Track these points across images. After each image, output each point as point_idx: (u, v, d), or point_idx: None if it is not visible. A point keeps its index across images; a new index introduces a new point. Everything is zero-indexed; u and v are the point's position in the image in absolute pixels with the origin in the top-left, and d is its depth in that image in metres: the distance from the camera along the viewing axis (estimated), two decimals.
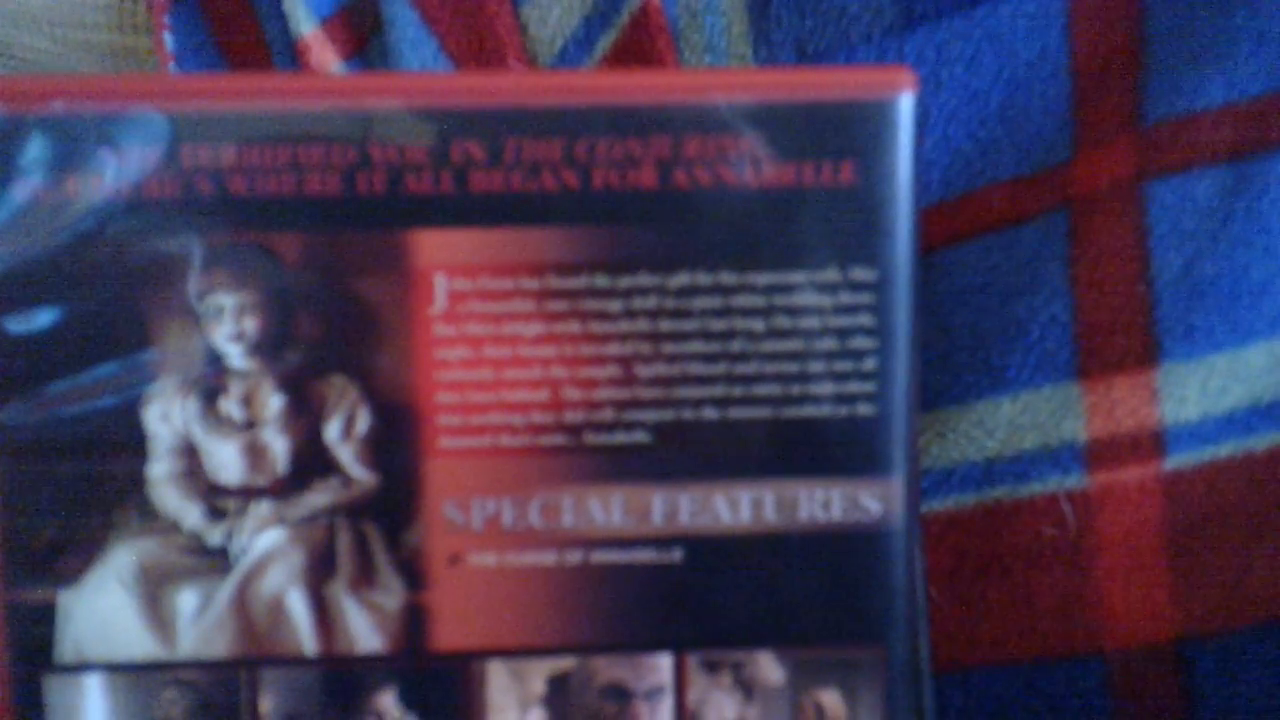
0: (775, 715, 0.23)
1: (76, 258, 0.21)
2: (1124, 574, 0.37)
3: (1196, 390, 0.37)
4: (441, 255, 0.22)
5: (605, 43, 0.43)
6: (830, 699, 0.23)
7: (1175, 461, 0.37)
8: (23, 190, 0.21)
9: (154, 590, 0.22)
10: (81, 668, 0.22)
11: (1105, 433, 0.37)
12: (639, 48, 0.43)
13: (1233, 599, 0.37)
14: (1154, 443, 0.37)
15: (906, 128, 0.21)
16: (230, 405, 0.22)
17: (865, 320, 0.22)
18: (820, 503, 0.22)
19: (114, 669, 0.22)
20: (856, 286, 0.22)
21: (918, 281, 0.22)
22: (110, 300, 0.22)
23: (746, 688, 0.22)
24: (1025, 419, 0.38)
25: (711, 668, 0.22)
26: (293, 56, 0.46)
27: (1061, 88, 0.39)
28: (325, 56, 0.46)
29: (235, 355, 0.22)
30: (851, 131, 0.21)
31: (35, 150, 0.21)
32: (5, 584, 0.22)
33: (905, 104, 0.22)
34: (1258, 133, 0.36)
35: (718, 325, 0.22)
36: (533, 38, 0.44)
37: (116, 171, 0.21)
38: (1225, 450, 0.37)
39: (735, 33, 0.42)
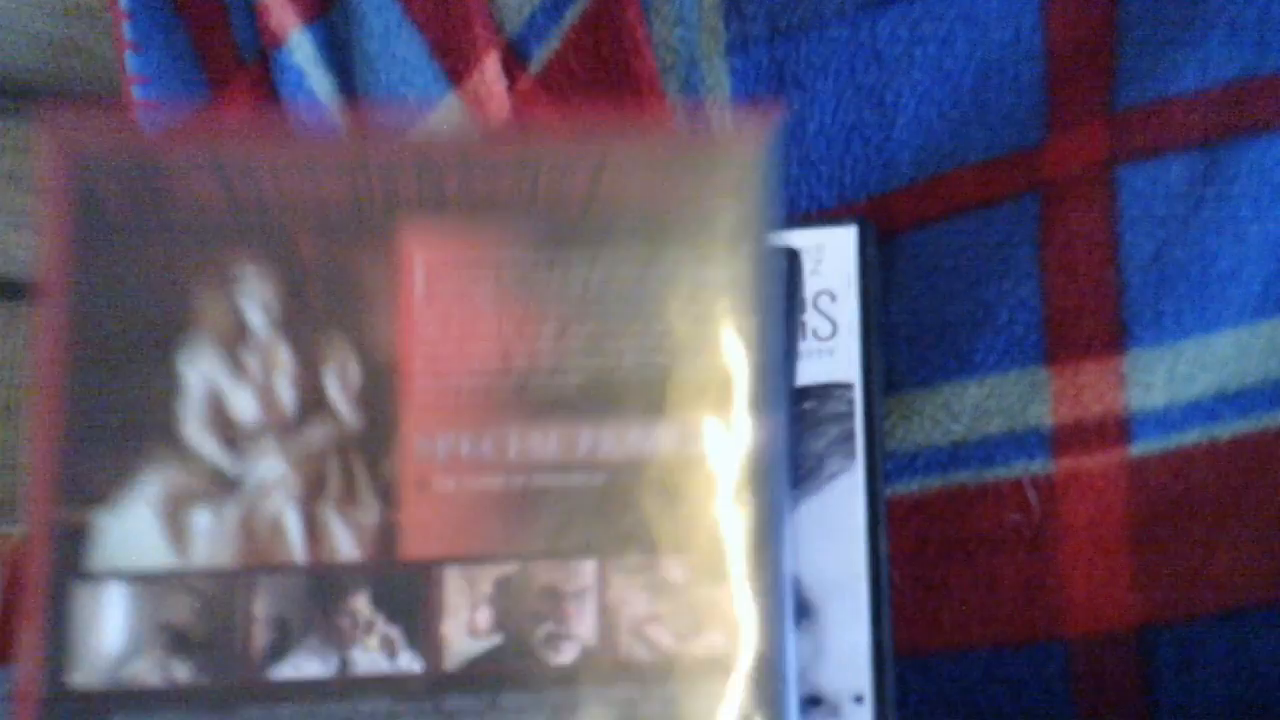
0: (680, 610, 0.28)
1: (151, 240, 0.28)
2: (1087, 560, 0.38)
3: (1163, 377, 0.37)
4: (422, 243, 0.28)
5: (574, 13, 0.44)
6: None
7: (1140, 448, 0.38)
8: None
9: (175, 511, 0.27)
10: (106, 576, 0.27)
11: (1071, 418, 0.38)
12: (608, 18, 0.43)
13: (1195, 586, 0.38)
14: (1120, 429, 0.38)
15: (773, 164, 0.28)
16: (249, 358, 0.28)
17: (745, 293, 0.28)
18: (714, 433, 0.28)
19: (134, 578, 0.27)
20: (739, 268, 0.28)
21: (777, 268, 0.28)
22: (167, 271, 0.28)
23: (656, 588, 0.28)
24: (991, 403, 0.39)
25: (628, 571, 0.28)
26: (251, 17, 0.46)
27: (1035, 70, 0.40)
28: (284, 19, 0.46)
29: (256, 317, 0.28)
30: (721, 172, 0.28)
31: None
32: (53, 504, 0.27)
33: (768, 146, 0.28)
34: (1230, 119, 0.37)
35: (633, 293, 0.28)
36: (500, 5, 0.45)
37: (190, 185, 0.28)
38: (1190, 438, 0.37)
39: (707, 4, 0.42)
